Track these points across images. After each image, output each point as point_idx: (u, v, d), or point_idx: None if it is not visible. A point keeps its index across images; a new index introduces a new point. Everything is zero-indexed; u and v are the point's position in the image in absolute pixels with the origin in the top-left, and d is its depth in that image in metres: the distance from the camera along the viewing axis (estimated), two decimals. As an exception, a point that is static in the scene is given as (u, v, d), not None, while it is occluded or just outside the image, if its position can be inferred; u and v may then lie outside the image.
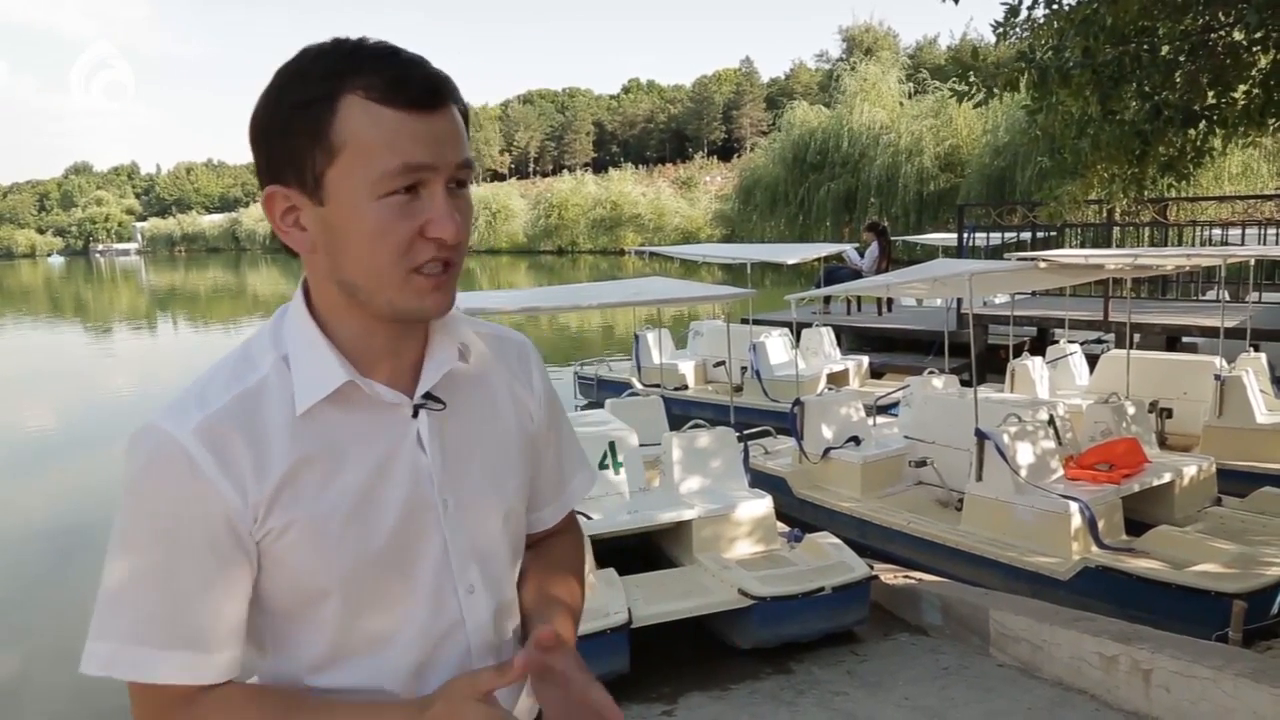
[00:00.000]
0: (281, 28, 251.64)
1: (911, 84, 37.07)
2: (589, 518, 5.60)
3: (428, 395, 1.04)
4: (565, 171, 66.60)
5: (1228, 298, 11.94)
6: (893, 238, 16.40)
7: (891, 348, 12.97)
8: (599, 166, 70.48)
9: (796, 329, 10.77)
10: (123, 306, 38.76)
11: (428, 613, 1.03)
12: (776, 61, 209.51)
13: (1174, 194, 11.58)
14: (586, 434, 6.22)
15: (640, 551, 6.13)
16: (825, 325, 12.00)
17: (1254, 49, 5.89)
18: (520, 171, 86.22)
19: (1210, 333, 9.35)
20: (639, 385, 10.76)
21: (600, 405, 7.93)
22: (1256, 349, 8.60)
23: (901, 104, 34.10)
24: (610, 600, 4.95)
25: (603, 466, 6.09)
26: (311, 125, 0.92)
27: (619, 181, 55.70)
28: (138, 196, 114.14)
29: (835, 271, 13.59)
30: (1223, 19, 5.99)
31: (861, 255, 14.02)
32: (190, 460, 0.92)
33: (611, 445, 6.11)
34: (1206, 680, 3.62)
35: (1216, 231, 15.29)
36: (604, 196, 53.61)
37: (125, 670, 0.93)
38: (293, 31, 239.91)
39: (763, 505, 5.92)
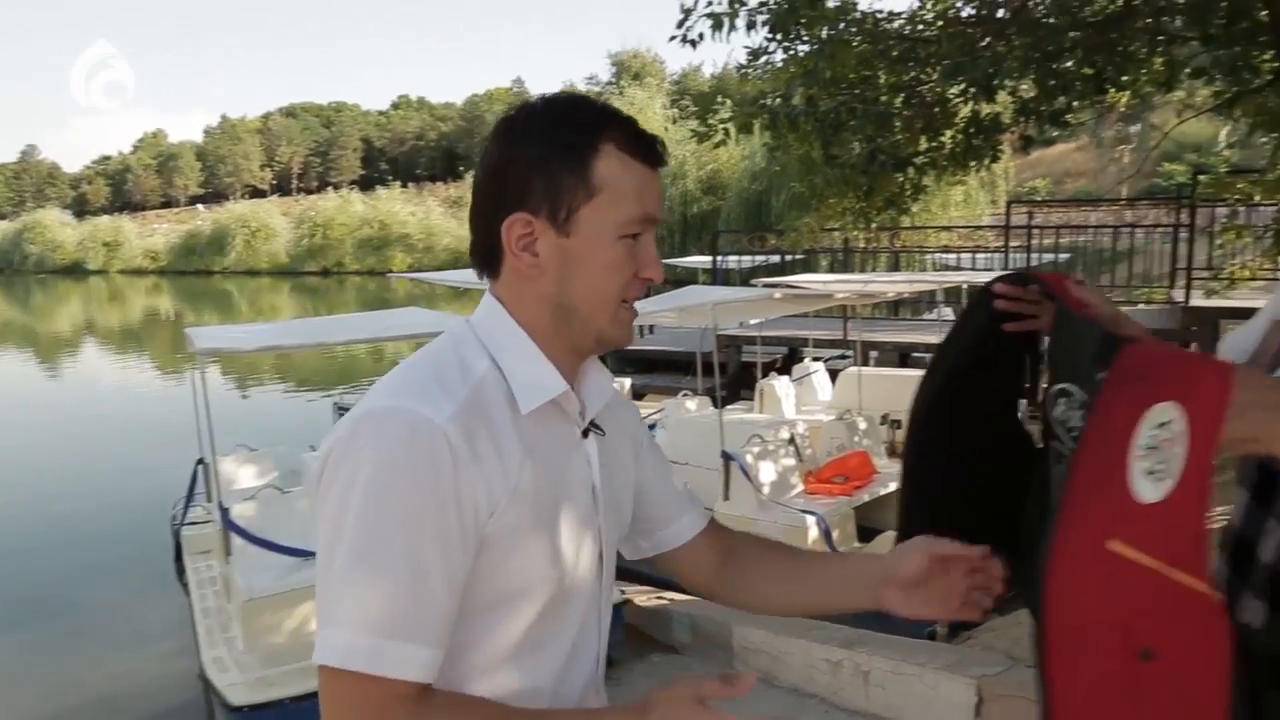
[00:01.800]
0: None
1: (676, 109, 38.58)
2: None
3: (592, 422, 1.14)
4: (331, 189, 64.25)
5: (951, 315, 13.23)
6: (656, 261, 16.90)
7: (652, 369, 13.41)
8: (367, 184, 68.42)
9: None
10: None
11: (578, 621, 1.10)
12: (548, 82, 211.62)
13: (906, 223, 12.71)
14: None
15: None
16: (588, 348, 12.20)
17: (955, 101, 6.58)
18: (282, 188, 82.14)
19: (935, 349, 10.29)
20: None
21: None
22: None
23: (666, 128, 35.40)
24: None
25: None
26: (576, 165, 1.01)
27: (387, 200, 54.43)
28: None
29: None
30: (930, 73, 6.64)
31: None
32: (451, 447, 0.94)
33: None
34: (912, 676, 4.01)
35: (942, 256, 16.91)
36: (371, 216, 52.17)
37: (365, 662, 0.91)
38: (33, 24, 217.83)
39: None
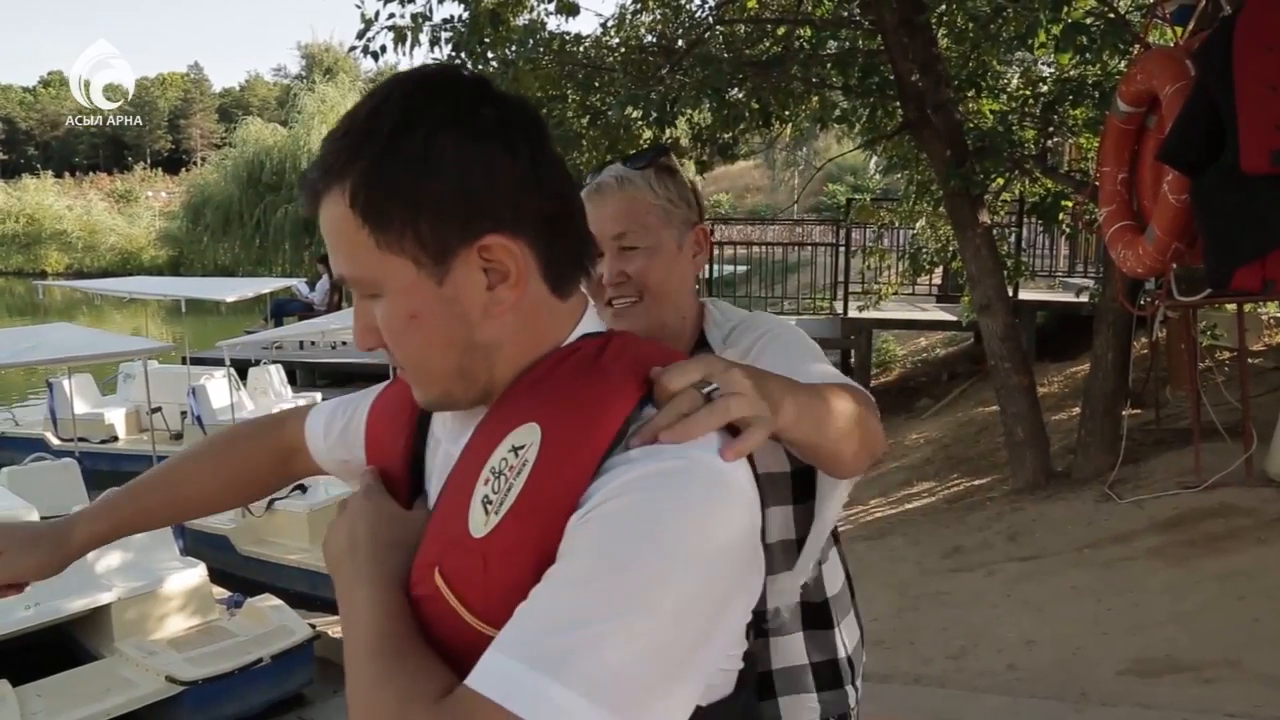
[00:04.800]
0: None
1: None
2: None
3: None
4: (-39, 175, 55.85)
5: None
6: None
7: (347, 382, 12.86)
8: (10, 171, 60.18)
9: (241, 369, 10.21)
10: None
11: None
12: (231, 71, 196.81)
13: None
14: (-34, 518, 5.29)
15: (51, 649, 5.35)
16: (275, 363, 11.50)
17: (638, 125, 6.88)
18: (-107, 172, 70.21)
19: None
20: (55, 441, 9.41)
21: (-3, 474, 6.80)
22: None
23: (360, 128, 34.08)
24: (-3, 721, 4.28)
25: (-8, 555, 5.22)
26: None
27: (37, 191, 47.88)
28: None
29: (285, 305, 13.09)
30: (611, 100, 6.89)
31: (312, 288, 13.65)
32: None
33: (3, 528, 5.26)
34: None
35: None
36: (17, 208, 45.72)
37: None
38: None
39: (195, 575, 5.53)
